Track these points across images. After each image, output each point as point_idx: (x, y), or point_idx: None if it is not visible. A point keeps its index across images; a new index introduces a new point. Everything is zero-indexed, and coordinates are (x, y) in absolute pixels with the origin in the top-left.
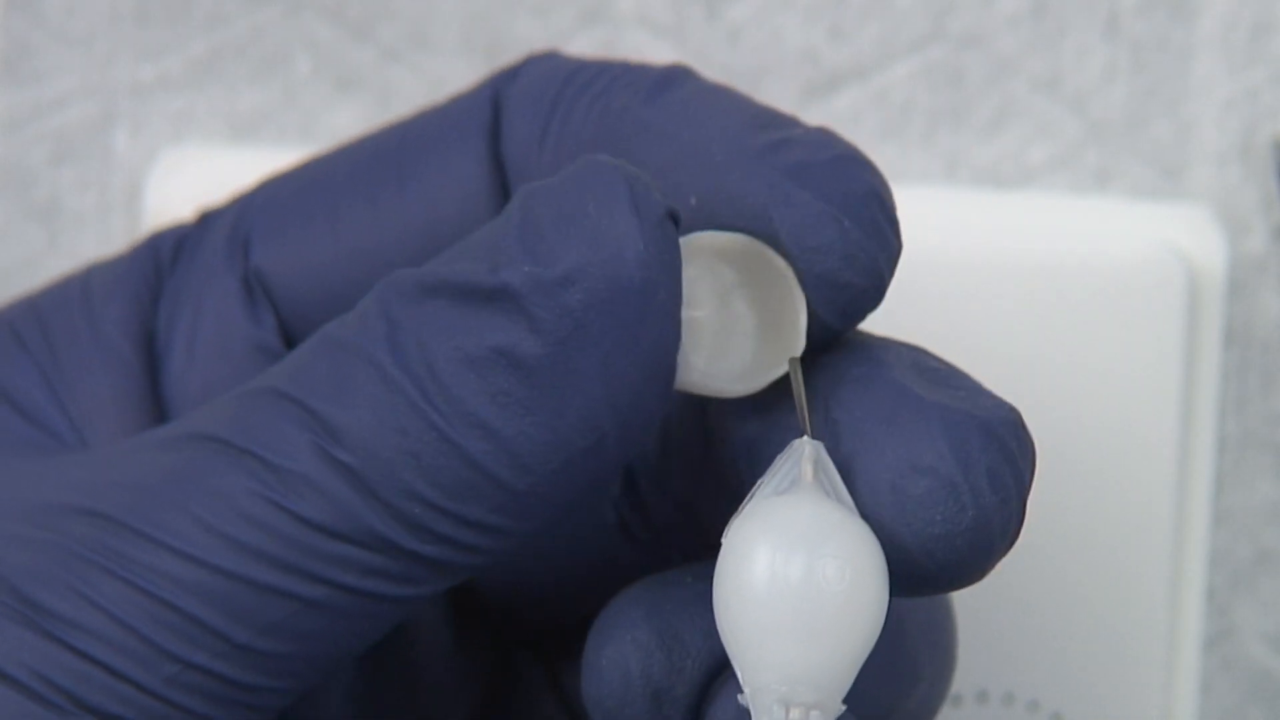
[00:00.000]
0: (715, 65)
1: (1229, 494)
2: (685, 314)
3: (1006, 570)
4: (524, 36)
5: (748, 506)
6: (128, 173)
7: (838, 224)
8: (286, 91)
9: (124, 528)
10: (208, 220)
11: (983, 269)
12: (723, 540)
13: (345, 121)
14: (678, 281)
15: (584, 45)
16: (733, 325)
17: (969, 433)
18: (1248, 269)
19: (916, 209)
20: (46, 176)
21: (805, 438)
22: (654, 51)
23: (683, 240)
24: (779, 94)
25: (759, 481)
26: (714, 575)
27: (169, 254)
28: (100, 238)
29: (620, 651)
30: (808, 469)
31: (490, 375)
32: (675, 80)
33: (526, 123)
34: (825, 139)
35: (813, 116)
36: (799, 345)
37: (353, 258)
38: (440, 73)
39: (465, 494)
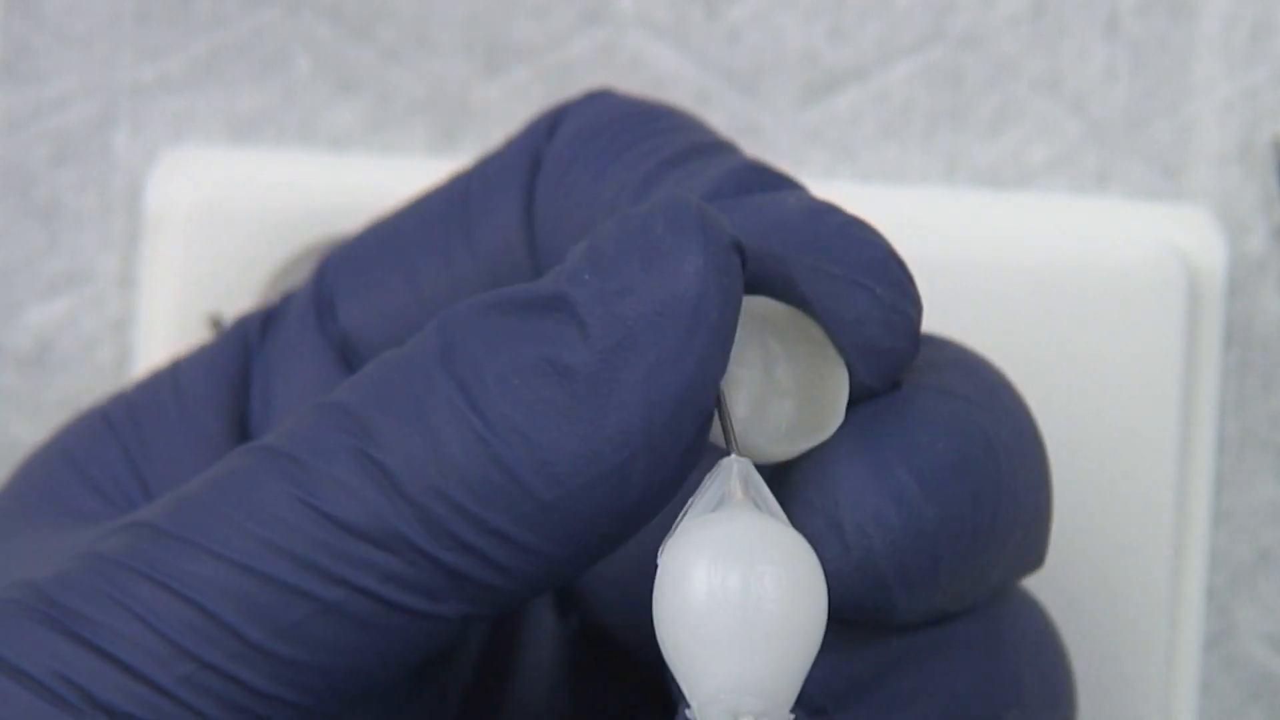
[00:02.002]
0: (715, 65)
1: (1229, 494)
2: (730, 368)
3: None
4: (524, 36)
5: (681, 525)
6: (128, 173)
7: (870, 293)
8: (286, 91)
9: (159, 532)
10: (290, 295)
11: (983, 269)
12: (658, 560)
13: (345, 121)
14: (735, 309)
15: (584, 45)
16: (772, 392)
17: (861, 477)
18: (1248, 269)
19: (916, 209)
20: (46, 176)
21: (733, 456)
22: (654, 51)
23: (750, 299)
24: (779, 94)
25: (689, 501)
26: (653, 596)
27: (256, 331)
28: (100, 238)
29: None
30: (736, 486)
31: (535, 383)
32: (689, 155)
33: (554, 172)
34: (818, 205)
35: (813, 117)
36: (837, 420)
37: (434, 313)
38: (440, 73)
39: (492, 498)
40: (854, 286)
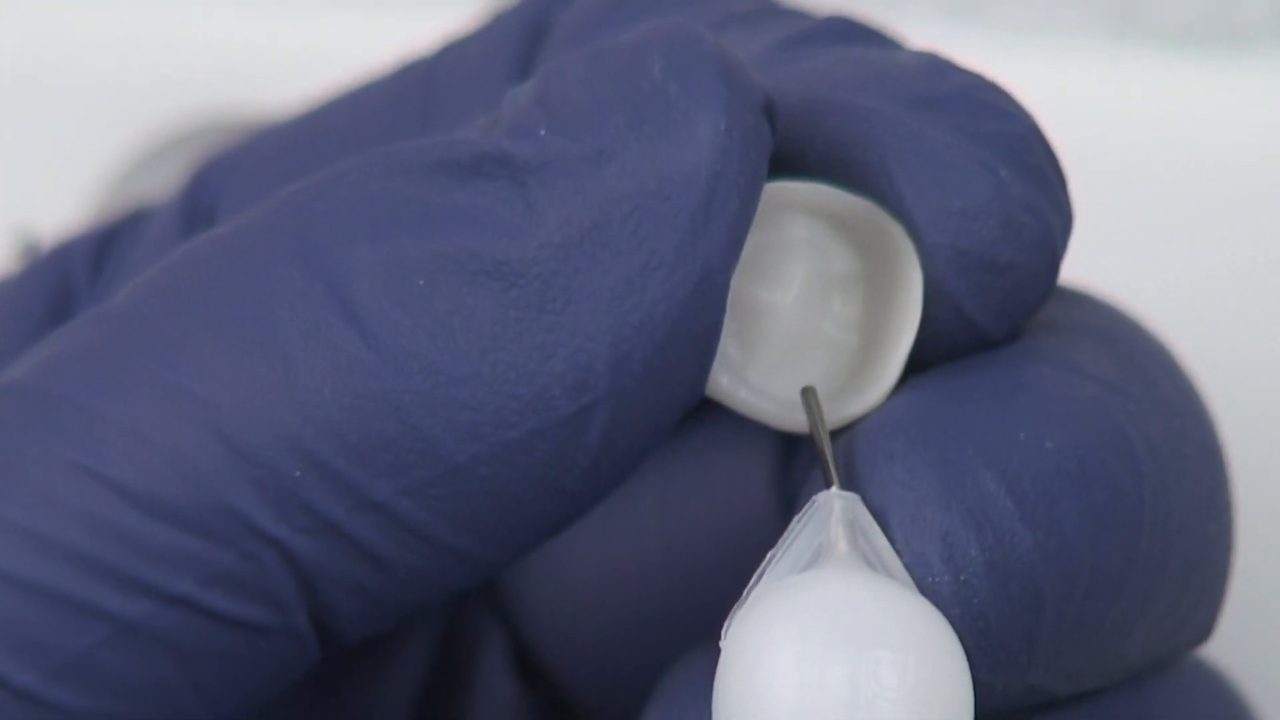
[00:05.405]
0: None
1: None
2: (757, 291)
3: None
4: None
5: (757, 589)
6: None
7: (993, 176)
8: None
9: None
10: (141, 212)
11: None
12: (721, 641)
13: None
14: (756, 199)
15: None
16: (821, 329)
17: (926, 482)
18: None
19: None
20: None
21: (834, 490)
22: None
23: (779, 186)
24: None
25: (769, 554)
26: (712, 692)
27: (87, 263)
28: None
29: None
30: (839, 533)
31: (449, 285)
32: (765, 15)
33: (569, 39)
34: (940, 61)
35: None
36: (889, 378)
37: None
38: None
39: (372, 454)
40: (973, 164)
